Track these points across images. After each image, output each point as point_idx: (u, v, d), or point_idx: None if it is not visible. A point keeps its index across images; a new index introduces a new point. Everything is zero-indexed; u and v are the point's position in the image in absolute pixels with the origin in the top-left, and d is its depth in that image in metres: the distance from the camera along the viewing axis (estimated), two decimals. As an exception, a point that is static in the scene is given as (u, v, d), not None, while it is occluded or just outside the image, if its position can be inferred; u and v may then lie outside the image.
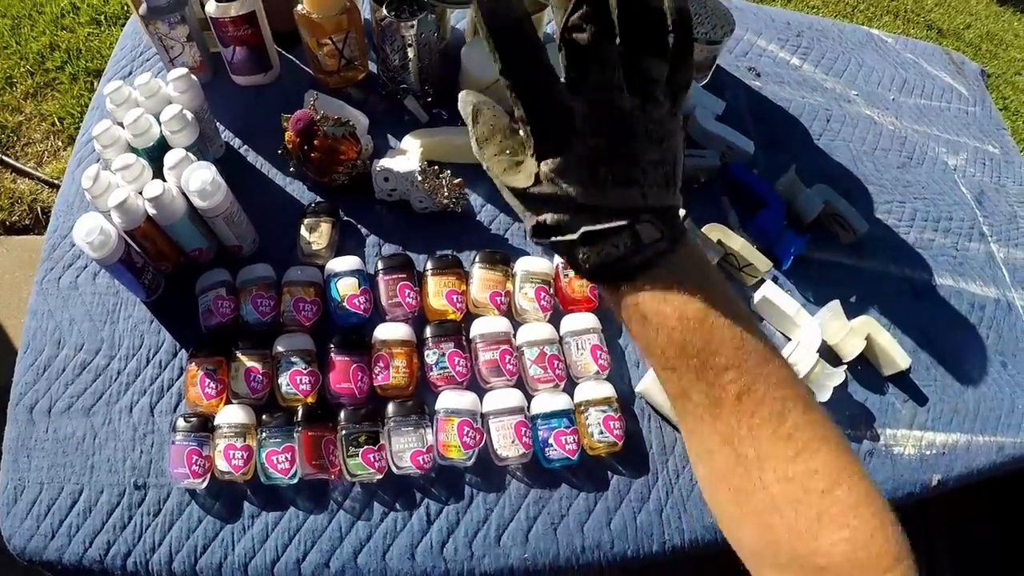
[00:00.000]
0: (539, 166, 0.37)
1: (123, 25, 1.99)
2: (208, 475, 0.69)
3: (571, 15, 0.34)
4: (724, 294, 0.39)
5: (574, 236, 0.37)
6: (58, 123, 1.82)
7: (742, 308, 0.40)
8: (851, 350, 0.88)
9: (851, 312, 0.91)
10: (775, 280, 0.92)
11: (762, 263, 0.88)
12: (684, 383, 0.40)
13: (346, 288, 0.77)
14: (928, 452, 0.88)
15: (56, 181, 1.73)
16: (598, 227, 0.37)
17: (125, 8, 2.07)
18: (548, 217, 0.38)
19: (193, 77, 0.83)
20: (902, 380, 0.92)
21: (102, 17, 2.03)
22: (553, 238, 0.38)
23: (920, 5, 2.99)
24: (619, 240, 0.37)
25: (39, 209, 1.70)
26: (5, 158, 1.75)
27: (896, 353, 0.89)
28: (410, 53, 0.87)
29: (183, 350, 0.78)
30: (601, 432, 0.73)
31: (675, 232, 0.38)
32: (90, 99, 1.82)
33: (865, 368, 0.91)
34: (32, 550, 0.68)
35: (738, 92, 1.12)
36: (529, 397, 0.75)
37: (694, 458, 0.43)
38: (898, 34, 2.68)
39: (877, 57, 1.30)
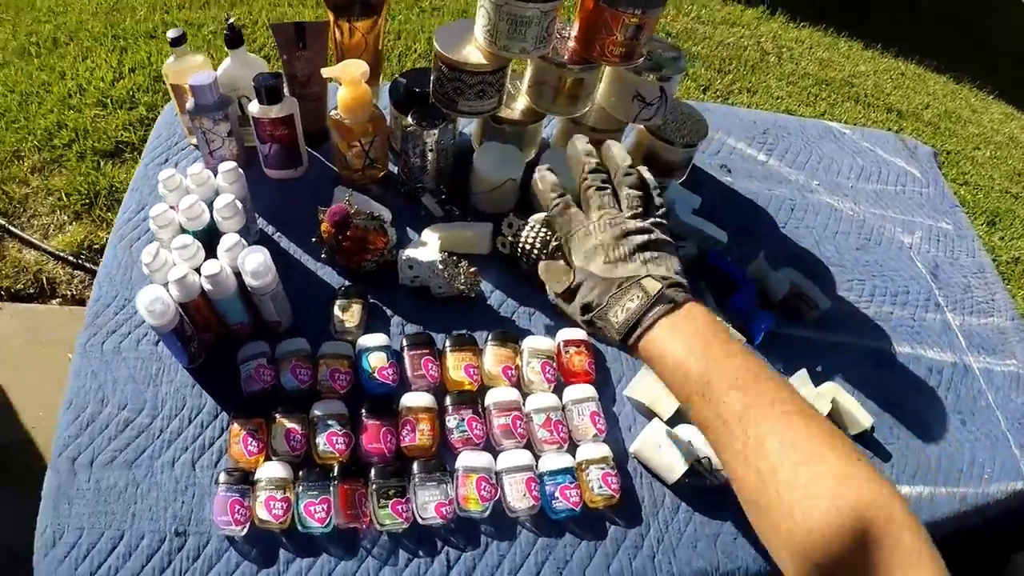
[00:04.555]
0: (574, 273, 0.68)
1: (129, 109, 2.19)
2: (248, 523, 0.80)
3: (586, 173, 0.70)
4: (723, 333, 0.61)
5: (603, 304, 0.64)
6: (65, 198, 1.96)
7: (738, 343, 0.61)
8: (818, 414, 1.03)
9: (817, 381, 1.05)
10: (749, 353, 1.08)
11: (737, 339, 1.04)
12: (699, 412, 0.59)
13: (376, 361, 0.91)
14: (895, 505, 1.01)
15: (62, 253, 1.86)
16: (616, 289, 0.64)
17: (131, 93, 2.25)
18: (584, 297, 0.66)
19: (240, 170, 0.98)
20: (866, 440, 1.05)
21: (108, 100, 2.20)
22: (591, 314, 0.66)
23: (879, 89, 3.31)
24: (633, 295, 0.62)
25: (44, 279, 1.82)
26: (12, 228, 1.89)
27: (859, 414, 1.03)
28: (429, 156, 1.05)
29: (224, 412, 0.90)
30: (600, 487, 0.87)
31: (676, 293, 0.62)
32: (97, 178, 1.99)
33: (831, 430, 1.05)
34: (67, 591, 0.76)
35: (712, 187, 1.32)
36: (536, 457, 0.89)
37: (734, 483, 0.59)
38: (859, 119, 2.99)
39: (836, 148, 1.52)
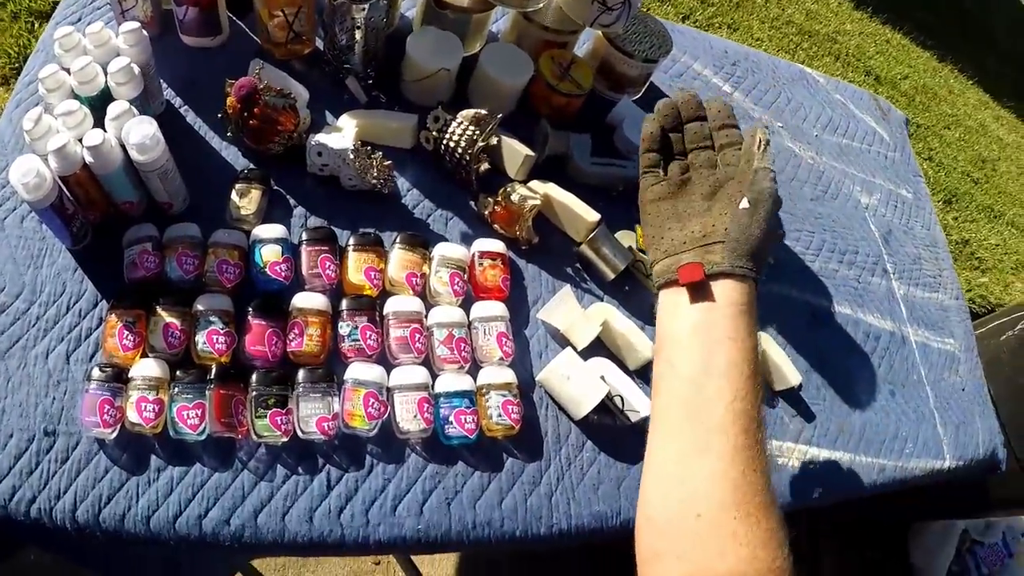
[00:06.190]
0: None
1: (73, -33, 1.98)
2: (118, 425, 0.73)
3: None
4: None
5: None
6: (-8, 60, 1.80)
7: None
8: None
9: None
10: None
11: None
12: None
13: (269, 254, 0.82)
14: (811, 466, 0.97)
15: (-16, 119, 1.71)
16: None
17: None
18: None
19: (144, 32, 0.86)
20: (792, 396, 1.01)
21: (52, -46, 2.00)
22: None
23: (861, 51, 3.21)
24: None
25: (-37, 146, 1.68)
26: (-70, 89, 1.72)
27: (788, 370, 0.99)
28: (357, 35, 0.93)
29: (104, 301, 0.81)
30: (500, 415, 0.81)
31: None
32: (29, 41, 1.82)
33: (759, 382, 1.01)
34: (-70, 491, 0.69)
35: (668, 111, 1.22)
36: (434, 376, 0.83)
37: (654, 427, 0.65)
38: (836, 76, 2.90)
39: (807, 94, 1.43)
